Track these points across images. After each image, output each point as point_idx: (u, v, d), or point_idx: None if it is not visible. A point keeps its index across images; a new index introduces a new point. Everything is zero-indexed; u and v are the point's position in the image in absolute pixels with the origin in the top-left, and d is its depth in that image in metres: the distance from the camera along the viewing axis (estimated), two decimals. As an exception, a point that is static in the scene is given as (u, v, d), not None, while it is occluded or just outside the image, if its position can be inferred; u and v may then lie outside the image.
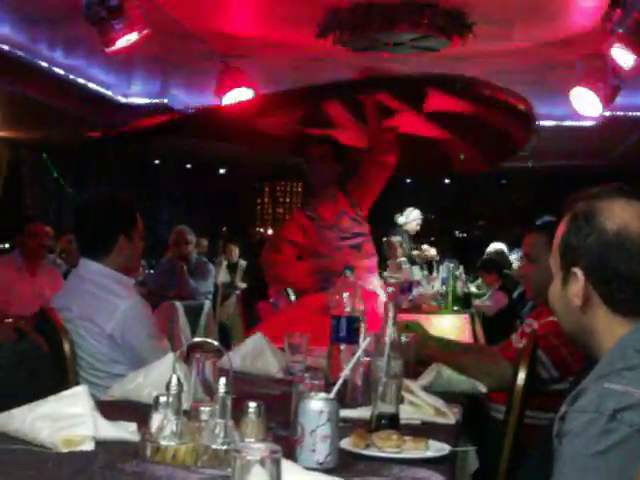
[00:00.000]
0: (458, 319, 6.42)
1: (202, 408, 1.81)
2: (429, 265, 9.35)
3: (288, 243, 4.82)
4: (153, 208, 13.86)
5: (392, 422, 2.02)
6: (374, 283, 4.76)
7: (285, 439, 1.80)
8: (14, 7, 6.31)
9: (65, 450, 1.76)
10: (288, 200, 15.66)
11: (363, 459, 1.83)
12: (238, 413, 1.74)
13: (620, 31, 4.85)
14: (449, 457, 1.90)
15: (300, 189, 15.26)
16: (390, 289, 5.99)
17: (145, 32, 4.74)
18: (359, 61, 5.99)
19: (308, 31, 5.88)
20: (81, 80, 8.18)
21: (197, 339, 2.27)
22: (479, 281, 8.88)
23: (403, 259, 8.51)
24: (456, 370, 2.80)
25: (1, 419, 1.91)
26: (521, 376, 2.58)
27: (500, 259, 9.13)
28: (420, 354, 2.97)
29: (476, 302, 7.72)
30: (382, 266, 7.95)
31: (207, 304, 7.23)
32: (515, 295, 7.99)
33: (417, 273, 8.06)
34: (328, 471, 1.67)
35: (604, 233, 1.61)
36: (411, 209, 9.93)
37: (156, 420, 1.75)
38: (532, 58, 7.02)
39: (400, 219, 9.88)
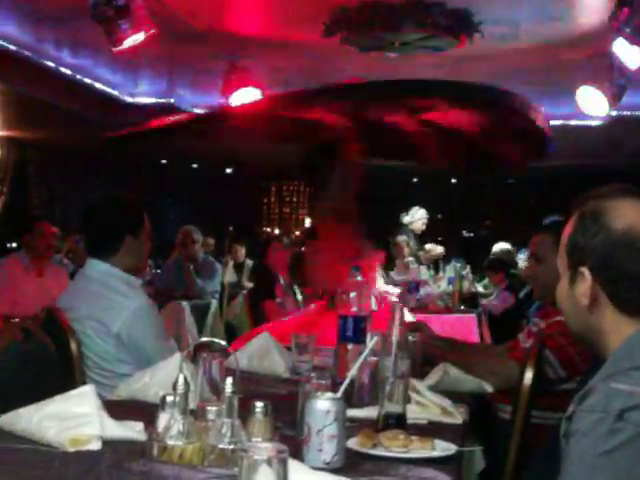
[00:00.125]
0: (465, 319, 6.43)
1: (209, 408, 1.80)
2: (435, 264, 9.34)
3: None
4: (160, 208, 13.87)
5: (399, 422, 2.02)
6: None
7: (292, 439, 1.79)
8: (21, 7, 6.33)
9: (72, 449, 1.76)
10: (295, 200, 15.64)
11: (370, 459, 1.83)
12: (245, 413, 1.74)
13: (627, 30, 4.85)
14: (456, 457, 1.90)
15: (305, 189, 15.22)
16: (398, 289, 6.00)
17: (152, 32, 4.75)
18: (366, 60, 6.00)
19: (315, 31, 5.88)
20: (88, 80, 8.18)
21: (204, 339, 2.28)
22: (486, 281, 8.88)
23: (410, 259, 8.49)
24: (463, 370, 2.80)
25: (8, 418, 1.92)
26: (528, 376, 2.58)
27: (507, 259, 9.12)
28: (427, 354, 2.97)
29: (483, 302, 7.73)
30: (389, 266, 7.96)
31: (214, 304, 7.24)
32: (521, 295, 8.00)
33: (424, 273, 8.05)
34: (335, 471, 1.67)
35: (611, 233, 1.60)
36: (416, 208, 9.90)
37: (163, 420, 1.74)
38: (538, 57, 7.00)
39: (405, 218, 9.86)
